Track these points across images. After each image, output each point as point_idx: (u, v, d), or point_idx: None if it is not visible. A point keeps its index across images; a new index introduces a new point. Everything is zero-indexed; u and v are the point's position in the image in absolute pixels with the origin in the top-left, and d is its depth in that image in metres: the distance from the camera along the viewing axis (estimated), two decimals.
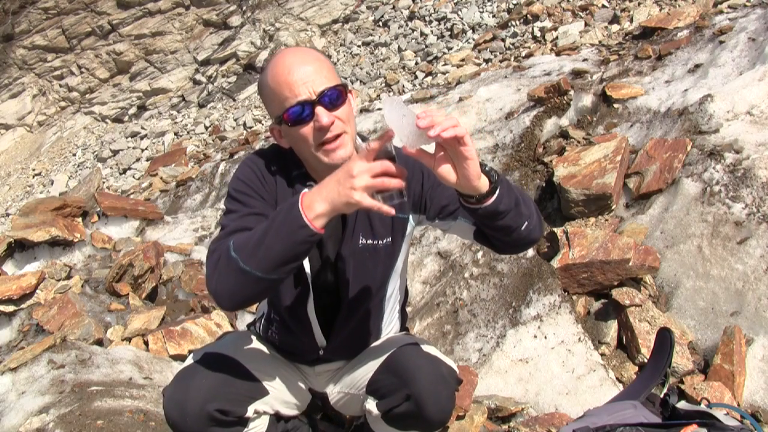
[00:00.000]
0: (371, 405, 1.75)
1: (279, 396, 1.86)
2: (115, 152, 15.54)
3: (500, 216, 1.46)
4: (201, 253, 4.57)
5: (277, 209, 1.50)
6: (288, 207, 1.42)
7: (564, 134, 4.20)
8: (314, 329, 1.80)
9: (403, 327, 2.07)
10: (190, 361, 1.75)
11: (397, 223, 1.72)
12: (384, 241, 1.72)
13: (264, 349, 1.92)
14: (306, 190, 1.44)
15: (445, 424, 1.75)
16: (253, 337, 1.95)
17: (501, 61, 9.48)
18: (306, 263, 1.70)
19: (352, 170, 1.34)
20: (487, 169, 1.41)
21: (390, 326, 1.94)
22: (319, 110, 1.52)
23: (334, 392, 1.95)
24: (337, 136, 1.56)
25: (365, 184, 1.34)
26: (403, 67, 12.83)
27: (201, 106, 16.65)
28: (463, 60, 10.62)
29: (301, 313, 1.78)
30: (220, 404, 1.64)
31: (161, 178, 8.17)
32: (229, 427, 1.70)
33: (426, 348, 1.79)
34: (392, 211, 1.36)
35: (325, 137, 1.55)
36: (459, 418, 2.49)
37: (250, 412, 1.75)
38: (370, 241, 1.71)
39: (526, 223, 1.51)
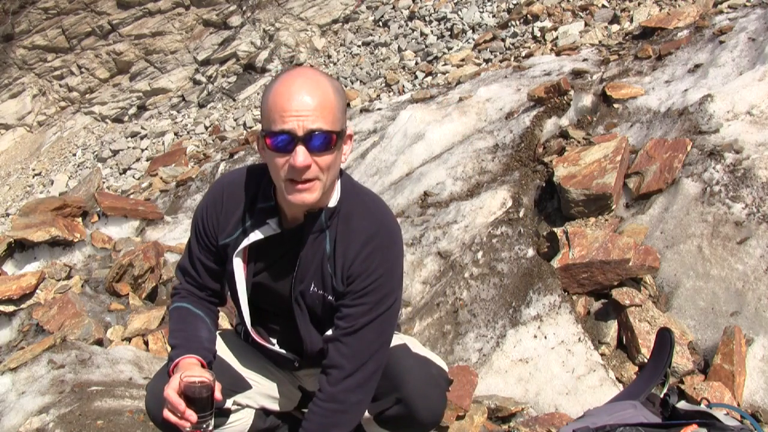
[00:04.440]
0: None
1: (263, 391, 1.86)
2: (115, 152, 15.53)
3: None
4: None
5: (173, 345, 1.69)
6: (169, 359, 1.67)
7: (564, 134, 4.20)
8: (277, 350, 1.79)
9: None
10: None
11: (335, 288, 1.66)
12: (330, 297, 1.66)
13: (248, 347, 1.91)
14: (182, 358, 1.63)
15: (437, 425, 1.75)
16: (237, 337, 1.95)
17: (501, 61, 9.48)
18: (243, 302, 1.70)
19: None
20: None
21: None
22: (299, 149, 1.44)
23: None
24: (308, 180, 1.48)
25: (163, 408, 1.53)
26: (403, 67, 12.83)
27: (201, 106, 16.65)
28: (463, 60, 10.62)
29: (257, 341, 1.79)
30: None
31: (161, 178, 8.17)
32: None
33: (415, 348, 1.78)
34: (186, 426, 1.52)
35: (296, 177, 1.48)
36: (459, 418, 2.49)
37: (229, 404, 1.77)
38: (320, 291, 1.66)
39: None
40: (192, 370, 1.55)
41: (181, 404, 1.49)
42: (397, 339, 1.85)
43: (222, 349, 1.81)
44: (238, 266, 1.67)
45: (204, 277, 1.77)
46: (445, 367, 1.78)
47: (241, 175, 1.73)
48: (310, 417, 1.64)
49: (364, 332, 1.60)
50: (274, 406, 1.91)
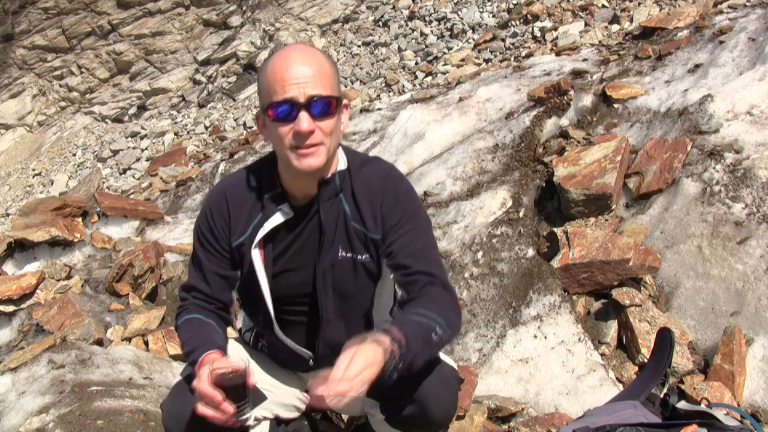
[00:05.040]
0: (374, 409, 1.75)
1: (277, 400, 1.86)
2: (115, 152, 15.53)
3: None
4: None
5: (191, 350, 1.61)
6: (190, 362, 1.59)
7: (564, 134, 4.20)
8: (292, 347, 1.78)
9: None
10: (186, 371, 1.74)
11: (369, 242, 1.68)
12: (363, 256, 1.68)
13: (257, 355, 1.91)
14: (208, 354, 1.56)
15: (448, 424, 1.75)
16: (244, 347, 1.94)
17: (501, 61, 9.48)
18: (266, 292, 1.69)
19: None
20: (391, 366, 1.39)
21: None
22: (302, 115, 1.49)
23: None
24: (313, 145, 1.53)
25: (197, 404, 1.46)
26: (403, 67, 12.83)
27: (201, 106, 16.65)
28: (463, 60, 10.62)
29: (272, 336, 1.78)
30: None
31: (161, 178, 8.17)
32: None
33: None
34: (223, 419, 1.45)
35: (301, 143, 1.52)
36: (459, 418, 2.49)
37: (250, 421, 1.76)
38: (349, 254, 1.68)
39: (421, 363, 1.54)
40: (220, 361, 1.50)
41: (218, 396, 1.42)
42: None
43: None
44: (257, 258, 1.67)
45: (216, 288, 1.74)
46: (456, 367, 1.78)
47: (238, 176, 1.75)
48: (425, 305, 1.54)
49: (425, 252, 1.63)
50: (287, 413, 1.91)
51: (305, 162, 1.54)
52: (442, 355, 1.80)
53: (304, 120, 1.49)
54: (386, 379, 1.38)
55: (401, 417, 1.68)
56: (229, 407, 1.43)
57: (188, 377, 1.69)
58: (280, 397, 1.87)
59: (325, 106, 1.52)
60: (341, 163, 1.68)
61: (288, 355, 1.83)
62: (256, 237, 1.66)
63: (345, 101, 1.63)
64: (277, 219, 1.66)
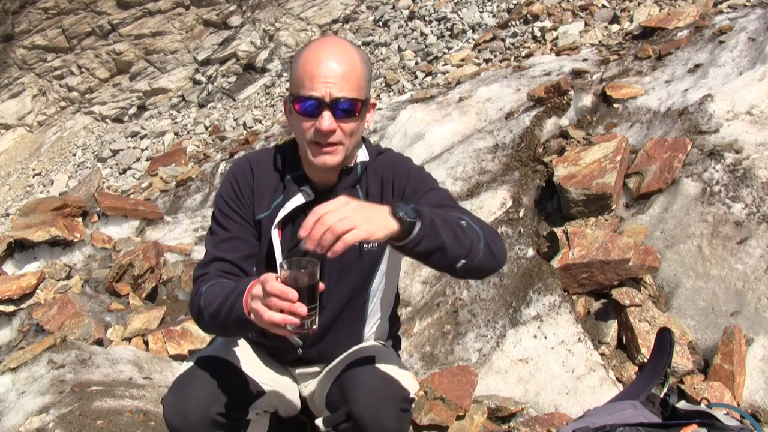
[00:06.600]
0: (318, 420, 1.71)
1: (276, 395, 1.85)
2: (115, 152, 15.54)
3: (421, 255, 1.44)
4: (200, 253, 4.56)
5: (230, 291, 1.51)
6: (236, 295, 1.48)
7: (564, 134, 4.20)
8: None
9: (392, 335, 2.01)
10: (185, 368, 1.73)
11: None
12: (368, 245, 1.69)
13: (254, 350, 1.89)
14: (255, 279, 1.44)
15: None
16: (241, 340, 1.92)
17: (501, 61, 9.48)
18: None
19: (259, 287, 1.38)
20: (400, 214, 1.37)
21: (372, 333, 1.89)
22: (326, 114, 1.52)
23: (312, 397, 1.93)
24: (332, 144, 1.56)
25: (255, 307, 1.37)
26: (403, 67, 12.83)
27: (201, 106, 16.66)
28: (463, 60, 10.62)
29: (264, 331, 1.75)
30: (221, 408, 1.63)
31: (161, 178, 8.18)
32: (232, 429, 1.69)
33: (382, 362, 1.71)
34: (283, 333, 1.38)
35: (321, 140, 1.56)
36: (459, 418, 2.49)
37: (251, 414, 1.75)
38: (356, 243, 1.69)
39: (463, 261, 1.48)
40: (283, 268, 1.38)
41: (292, 292, 1.30)
42: (372, 351, 1.80)
43: (233, 357, 1.78)
44: (276, 239, 1.68)
45: (242, 256, 1.68)
46: (413, 387, 1.70)
47: (262, 153, 1.78)
48: (470, 223, 1.52)
49: (449, 203, 1.66)
50: (286, 411, 1.90)
51: (322, 159, 1.58)
52: (399, 372, 1.70)
53: (327, 119, 1.52)
54: (412, 237, 1.36)
55: (341, 431, 1.62)
56: (302, 308, 1.33)
57: (199, 360, 1.70)
58: (278, 392, 1.86)
59: (349, 108, 1.54)
60: (363, 155, 1.72)
61: (278, 342, 1.80)
62: (277, 216, 1.67)
63: (372, 101, 1.65)
64: (298, 200, 1.67)
